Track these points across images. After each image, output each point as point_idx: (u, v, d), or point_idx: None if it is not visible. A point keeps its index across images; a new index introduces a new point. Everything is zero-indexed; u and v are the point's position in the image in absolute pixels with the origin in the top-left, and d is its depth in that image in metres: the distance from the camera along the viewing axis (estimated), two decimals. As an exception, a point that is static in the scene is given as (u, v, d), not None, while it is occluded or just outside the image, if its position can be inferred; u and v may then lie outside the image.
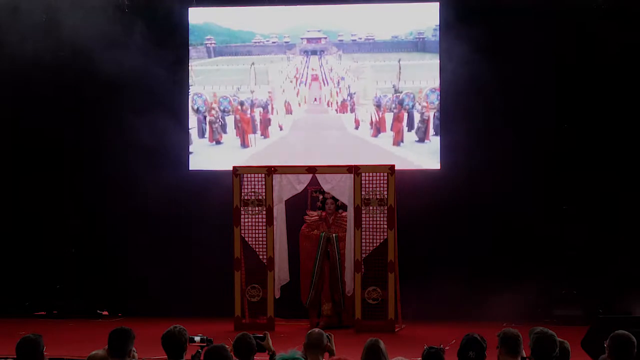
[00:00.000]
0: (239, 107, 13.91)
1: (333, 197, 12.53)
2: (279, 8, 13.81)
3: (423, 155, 13.48)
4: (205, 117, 13.98)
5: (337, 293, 12.45)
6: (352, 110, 13.68)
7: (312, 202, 12.93)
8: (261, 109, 13.88)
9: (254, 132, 13.85)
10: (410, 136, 13.53)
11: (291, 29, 13.84)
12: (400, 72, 13.53)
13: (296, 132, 13.82)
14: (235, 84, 13.97)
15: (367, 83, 13.68)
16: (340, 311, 12.50)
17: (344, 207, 12.54)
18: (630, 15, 12.85)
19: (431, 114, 13.47)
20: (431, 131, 13.48)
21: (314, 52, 13.81)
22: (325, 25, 13.79)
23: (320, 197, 12.67)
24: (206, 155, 13.97)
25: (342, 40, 13.73)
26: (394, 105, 13.55)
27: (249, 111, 13.89)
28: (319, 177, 12.45)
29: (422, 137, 13.50)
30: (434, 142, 13.47)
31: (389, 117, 13.56)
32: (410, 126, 13.52)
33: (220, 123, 13.96)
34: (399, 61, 13.50)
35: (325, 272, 12.49)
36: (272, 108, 13.87)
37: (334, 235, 12.49)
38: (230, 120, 13.94)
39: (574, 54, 13.09)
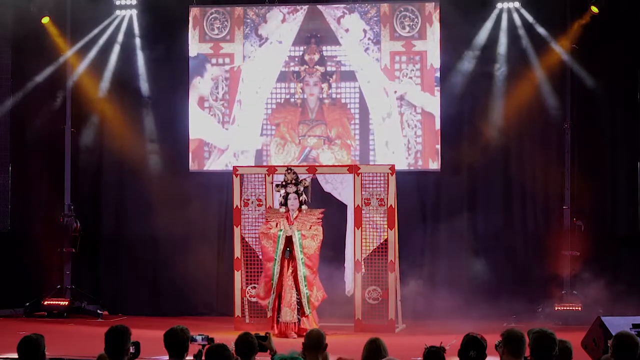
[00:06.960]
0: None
1: (296, 192, 11.55)
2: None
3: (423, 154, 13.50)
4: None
5: (298, 295, 11.43)
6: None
7: (274, 199, 12.10)
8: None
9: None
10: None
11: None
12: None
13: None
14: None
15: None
16: (302, 316, 11.45)
17: (308, 203, 11.66)
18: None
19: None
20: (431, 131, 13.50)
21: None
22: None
23: (282, 192, 11.71)
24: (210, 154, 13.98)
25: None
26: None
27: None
28: (319, 177, 12.43)
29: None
30: (434, 142, 13.48)
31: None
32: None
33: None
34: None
35: (285, 274, 11.51)
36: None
37: (296, 232, 11.48)
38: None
39: (575, 54, 13.10)
